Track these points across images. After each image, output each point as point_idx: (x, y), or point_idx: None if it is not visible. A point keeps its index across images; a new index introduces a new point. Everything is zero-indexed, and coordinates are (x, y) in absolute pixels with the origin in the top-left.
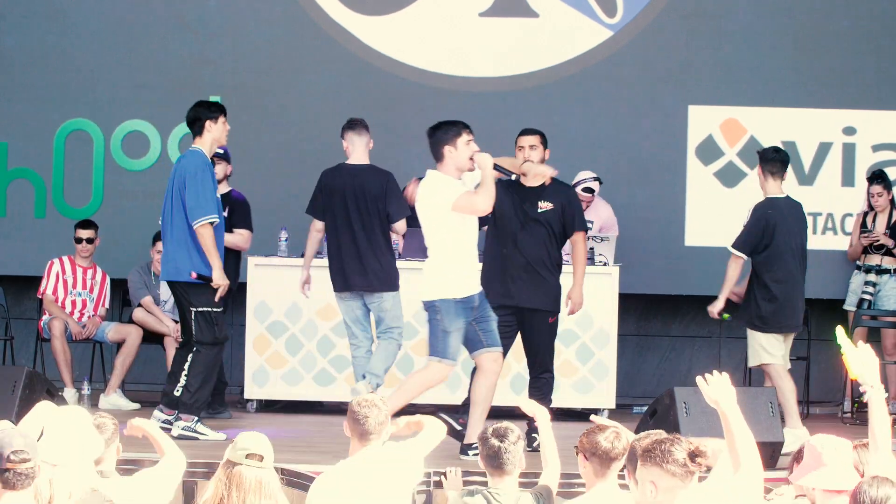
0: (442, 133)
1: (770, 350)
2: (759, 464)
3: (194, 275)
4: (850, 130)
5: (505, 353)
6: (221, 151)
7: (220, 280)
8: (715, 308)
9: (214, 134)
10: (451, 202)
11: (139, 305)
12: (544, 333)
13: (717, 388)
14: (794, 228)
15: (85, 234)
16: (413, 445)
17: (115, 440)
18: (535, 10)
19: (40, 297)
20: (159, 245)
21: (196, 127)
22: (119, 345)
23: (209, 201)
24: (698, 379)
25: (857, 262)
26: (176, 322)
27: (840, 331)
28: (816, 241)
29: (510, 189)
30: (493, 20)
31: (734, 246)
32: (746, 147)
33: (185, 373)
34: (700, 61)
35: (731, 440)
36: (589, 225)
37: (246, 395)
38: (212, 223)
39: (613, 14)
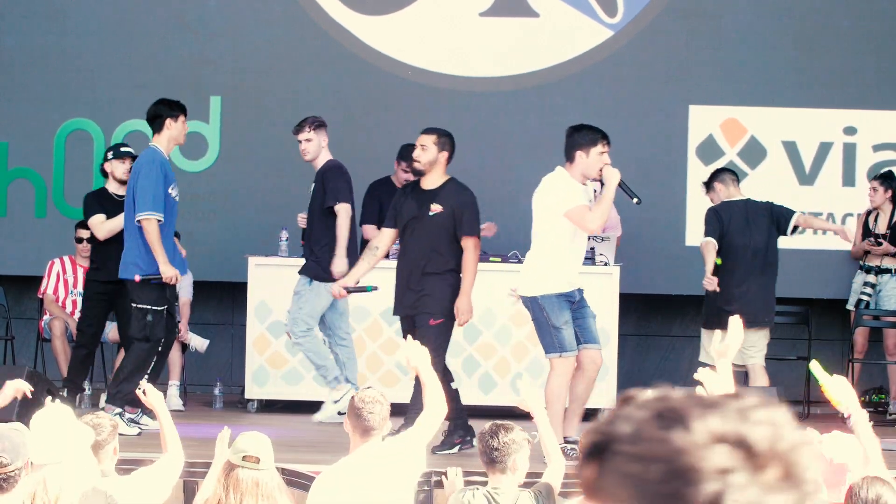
0: (579, 136)
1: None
2: None
3: (138, 278)
4: (850, 130)
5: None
6: (132, 152)
7: (167, 272)
8: (711, 284)
9: (173, 132)
10: (565, 208)
11: None
12: (423, 334)
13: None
14: (743, 229)
15: (85, 233)
16: (413, 436)
17: (112, 440)
18: (536, 9)
19: (41, 296)
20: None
21: (156, 124)
22: (119, 345)
23: (155, 198)
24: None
25: (860, 262)
26: (178, 322)
27: (815, 365)
28: (817, 241)
29: (411, 192)
30: (494, 20)
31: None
32: (747, 147)
33: None
34: (700, 61)
35: None
36: None
37: (246, 395)
38: (158, 220)
39: (614, 14)
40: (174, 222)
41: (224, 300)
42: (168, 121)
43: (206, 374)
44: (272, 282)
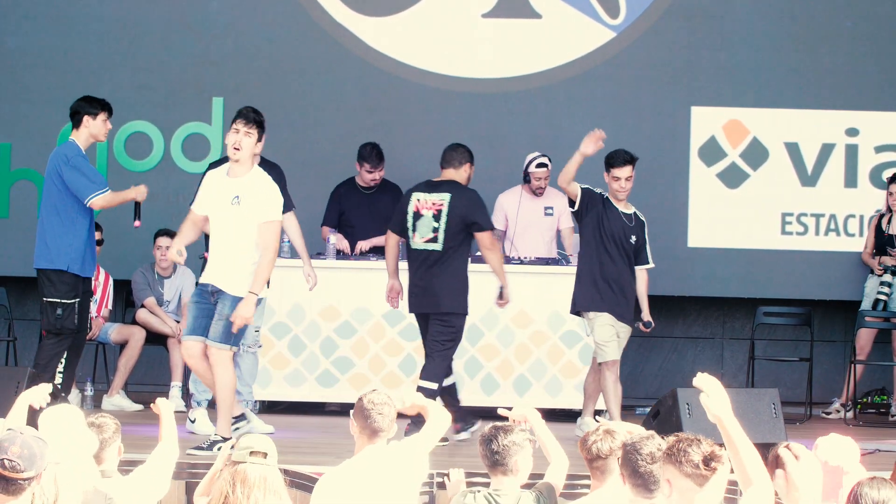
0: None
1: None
2: (768, 476)
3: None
4: (852, 132)
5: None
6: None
7: (139, 193)
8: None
9: (91, 130)
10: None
11: (142, 306)
12: None
13: (715, 400)
14: None
15: (97, 236)
16: (418, 442)
17: (115, 440)
18: (538, 11)
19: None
20: (161, 241)
21: (75, 120)
22: (122, 346)
23: (95, 176)
24: (698, 388)
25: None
26: (178, 322)
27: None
28: (819, 243)
29: None
30: (496, 21)
31: None
32: (749, 148)
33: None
34: (703, 62)
35: (737, 454)
36: (549, 211)
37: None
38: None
39: (616, 15)
40: (92, 219)
41: None
42: (86, 118)
43: None
44: (274, 283)
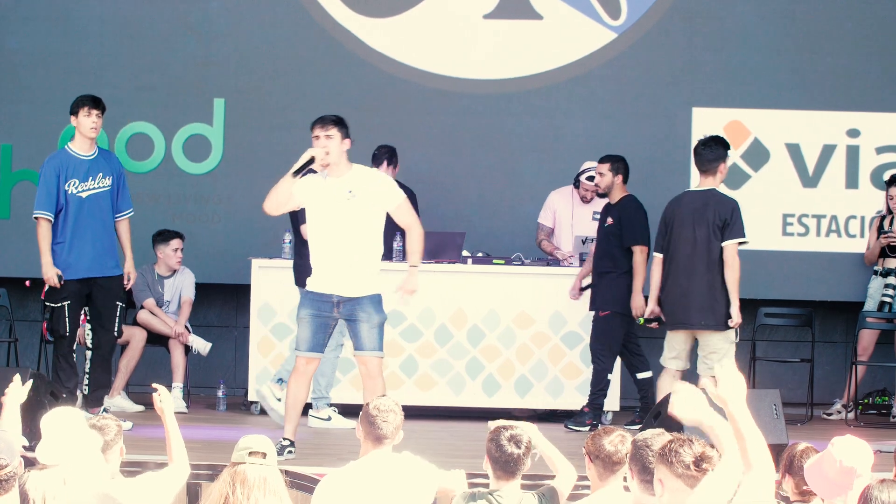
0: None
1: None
2: (771, 463)
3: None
4: (853, 132)
5: None
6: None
7: (45, 272)
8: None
9: (79, 128)
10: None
11: (142, 307)
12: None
13: (727, 385)
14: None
15: None
16: (430, 473)
17: (118, 442)
18: (539, 12)
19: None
20: (175, 243)
21: None
22: (123, 347)
23: (45, 196)
24: (703, 381)
25: (875, 267)
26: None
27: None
28: (820, 244)
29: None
30: (497, 22)
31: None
32: (750, 149)
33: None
34: (704, 63)
35: (742, 440)
36: (597, 216)
37: (250, 398)
38: (47, 219)
39: (617, 16)
40: (85, 216)
41: (228, 302)
42: (72, 119)
43: (209, 376)
44: (276, 284)
